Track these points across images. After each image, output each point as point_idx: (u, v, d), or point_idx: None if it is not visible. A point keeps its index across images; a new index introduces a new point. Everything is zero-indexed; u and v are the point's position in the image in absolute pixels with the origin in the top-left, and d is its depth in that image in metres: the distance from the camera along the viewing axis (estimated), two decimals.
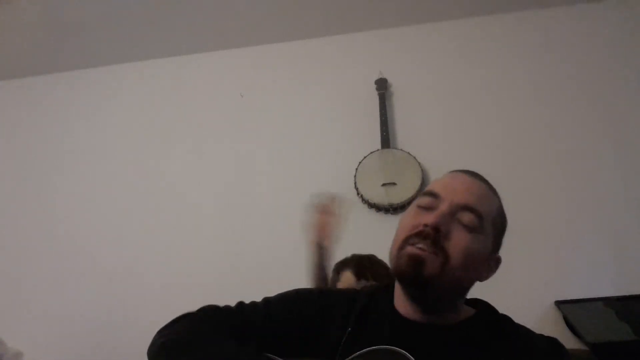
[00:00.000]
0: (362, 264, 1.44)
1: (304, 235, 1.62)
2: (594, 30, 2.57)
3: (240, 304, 0.85)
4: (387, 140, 2.49)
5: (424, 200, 0.77)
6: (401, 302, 0.78)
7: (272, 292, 0.90)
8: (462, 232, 0.72)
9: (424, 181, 2.36)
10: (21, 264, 2.64)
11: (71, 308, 2.50)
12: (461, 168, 0.83)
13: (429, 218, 0.73)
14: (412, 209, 0.79)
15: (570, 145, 2.39)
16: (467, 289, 0.78)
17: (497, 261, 0.79)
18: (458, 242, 0.72)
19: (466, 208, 0.74)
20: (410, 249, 0.72)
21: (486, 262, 0.77)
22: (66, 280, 2.56)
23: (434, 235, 0.71)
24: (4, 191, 2.82)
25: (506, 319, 0.78)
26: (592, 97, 2.46)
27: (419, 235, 0.72)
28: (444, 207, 0.74)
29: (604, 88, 2.47)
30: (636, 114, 2.39)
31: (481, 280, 0.78)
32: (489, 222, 0.75)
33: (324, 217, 1.62)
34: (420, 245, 0.71)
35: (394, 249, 0.76)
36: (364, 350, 0.70)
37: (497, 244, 0.78)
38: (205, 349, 0.72)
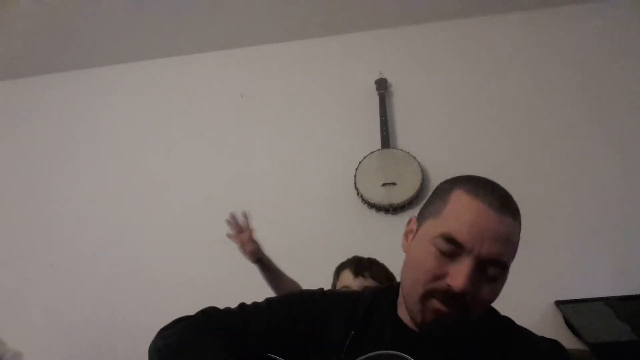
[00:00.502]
0: (360, 263, 1.46)
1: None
2: (594, 30, 2.57)
3: (242, 305, 0.85)
4: (387, 140, 2.49)
5: (446, 248, 0.69)
6: (405, 312, 0.77)
7: (272, 293, 0.90)
8: (487, 286, 0.69)
9: (424, 181, 2.36)
10: (21, 264, 2.64)
11: (71, 308, 2.50)
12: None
13: (455, 278, 0.67)
14: (430, 248, 0.71)
15: (571, 145, 2.39)
16: None
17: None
18: (483, 298, 0.69)
19: (494, 263, 0.68)
20: (437, 305, 0.69)
21: None
22: (66, 281, 2.56)
23: (461, 299, 0.68)
24: (4, 191, 2.82)
25: (507, 322, 0.78)
26: (593, 97, 2.46)
27: (446, 295, 0.68)
28: (470, 263, 0.67)
29: (605, 88, 2.46)
30: (636, 114, 2.39)
31: None
32: (511, 259, 0.71)
33: (240, 236, 1.74)
34: (445, 305, 0.68)
35: (413, 292, 0.72)
36: (369, 354, 0.70)
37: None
38: (197, 356, 0.71)
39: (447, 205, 0.72)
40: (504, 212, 0.69)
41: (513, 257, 0.71)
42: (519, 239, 0.72)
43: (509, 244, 0.69)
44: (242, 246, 1.73)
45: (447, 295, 0.68)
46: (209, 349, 0.73)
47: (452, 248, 0.68)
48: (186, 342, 0.74)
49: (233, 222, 1.77)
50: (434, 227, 0.71)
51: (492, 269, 0.68)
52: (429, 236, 0.71)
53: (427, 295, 0.70)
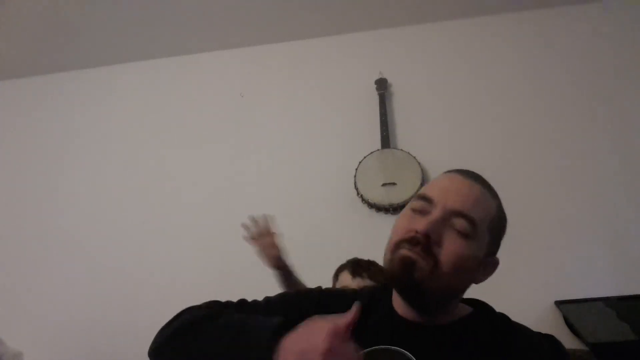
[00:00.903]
0: (358, 264, 1.47)
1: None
2: (594, 30, 2.57)
3: (241, 300, 0.87)
4: (387, 140, 2.49)
5: (418, 204, 0.76)
6: (399, 303, 0.79)
7: (272, 293, 0.91)
8: (455, 238, 0.72)
9: (424, 181, 2.36)
10: (21, 264, 2.64)
11: (71, 308, 2.50)
12: (461, 168, 0.82)
13: (421, 224, 0.72)
14: (406, 211, 0.78)
15: (570, 145, 2.39)
16: (461, 291, 0.78)
17: (495, 264, 0.79)
18: (449, 249, 0.71)
19: (459, 214, 0.72)
20: (402, 252, 0.72)
21: (480, 266, 0.76)
22: (66, 281, 2.56)
23: (425, 242, 0.71)
24: (4, 191, 2.83)
25: (503, 317, 0.78)
26: (593, 98, 2.46)
27: (411, 241, 0.72)
28: (436, 213, 0.73)
29: (604, 88, 2.47)
30: (637, 114, 2.39)
31: (476, 282, 0.77)
32: (483, 227, 0.74)
33: (261, 240, 1.64)
34: (410, 254, 0.71)
35: (387, 251, 0.76)
36: (366, 350, 0.70)
37: (493, 246, 0.78)
38: (218, 322, 0.73)
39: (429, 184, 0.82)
40: (473, 179, 0.77)
41: (487, 222, 0.74)
42: (494, 213, 0.76)
43: (478, 204, 0.74)
44: (263, 250, 1.64)
45: (413, 241, 0.71)
46: (223, 316, 0.75)
47: (423, 203, 0.75)
48: (186, 331, 0.75)
49: (253, 225, 1.67)
50: (414, 198, 0.80)
51: (459, 221, 0.72)
52: (408, 205, 0.79)
53: (396, 247, 0.74)
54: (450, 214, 0.72)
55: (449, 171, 0.81)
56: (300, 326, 0.65)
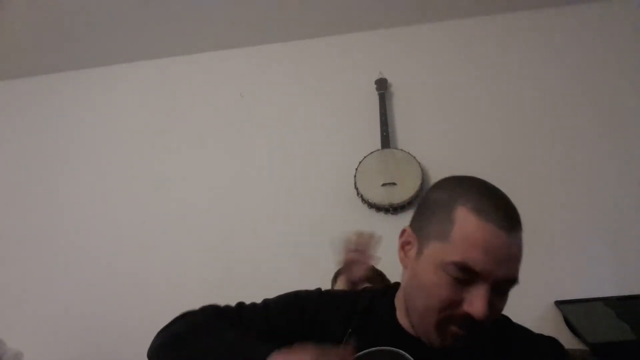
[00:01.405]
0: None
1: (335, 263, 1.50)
2: (594, 30, 2.57)
3: (240, 304, 0.86)
4: (387, 140, 2.49)
5: (461, 275, 0.67)
6: (404, 314, 0.78)
7: (271, 293, 0.91)
8: (501, 301, 0.71)
9: (424, 181, 2.36)
10: (21, 264, 2.64)
11: (71, 308, 2.50)
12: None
13: (474, 306, 0.66)
14: (441, 274, 0.69)
15: (570, 145, 2.39)
16: None
17: None
18: (496, 313, 0.71)
19: (508, 282, 0.69)
20: (454, 330, 0.69)
21: None
22: (66, 281, 2.56)
23: (482, 326, 0.68)
24: (4, 191, 2.83)
25: (504, 319, 0.78)
26: (593, 98, 2.46)
27: (464, 320, 0.67)
28: (487, 288, 0.66)
29: (604, 88, 2.46)
30: (637, 114, 2.39)
31: None
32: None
33: (354, 255, 1.45)
34: (462, 329, 0.68)
35: (428, 318, 0.70)
36: (365, 350, 0.70)
37: None
38: (206, 340, 0.73)
39: (453, 227, 0.69)
40: (514, 230, 0.69)
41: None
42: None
43: (520, 258, 0.71)
44: (359, 266, 1.42)
45: (466, 321, 0.67)
46: (216, 331, 0.74)
47: (468, 276, 0.67)
48: (190, 330, 0.75)
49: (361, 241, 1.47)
50: (443, 251, 0.69)
51: (506, 286, 0.70)
52: (438, 260, 0.69)
53: (444, 322, 0.69)
54: (499, 284, 0.68)
55: (481, 216, 0.68)
56: (291, 350, 0.64)
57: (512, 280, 0.69)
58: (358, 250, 1.42)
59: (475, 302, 0.66)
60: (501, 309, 0.72)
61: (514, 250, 0.69)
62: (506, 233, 0.68)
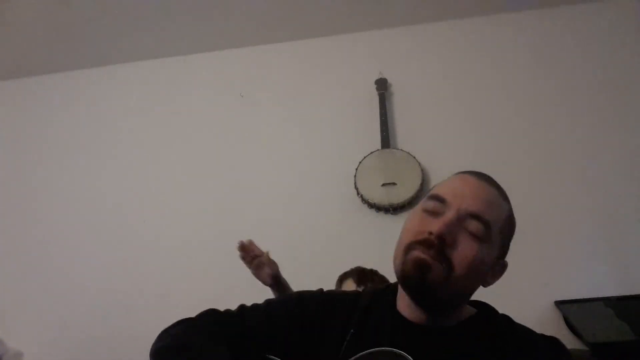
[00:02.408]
0: (363, 274, 1.48)
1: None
2: (594, 30, 2.57)
3: (242, 306, 0.86)
4: (387, 140, 2.49)
5: (430, 204, 0.74)
6: (405, 305, 0.78)
7: (271, 294, 0.90)
8: (469, 241, 0.70)
9: (424, 181, 2.36)
10: (21, 264, 2.64)
11: (71, 308, 2.50)
12: (461, 168, 0.82)
13: (435, 225, 0.70)
14: (417, 212, 0.77)
15: (570, 145, 2.39)
16: (471, 294, 0.77)
17: (503, 267, 0.78)
18: (464, 252, 0.70)
19: (474, 216, 0.71)
20: (416, 254, 0.70)
21: (491, 269, 0.75)
22: (66, 281, 2.55)
23: (440, 245, 0.69)
24: (4, 191, 2.82)
25: (506, 319, 0.78)
26: (592, 98, 2.46)
27: (424, 243, 0.70)
28: (450, 214, 0.71)
29: (604, 88, 2.46)
30: (636, 114, 2.39)
31: (485, 285, 0.77)
32: (496, 230, 0.73)
33: (256, 261, 1.59)
34: (425, 254, 0.70)
35: (398, 252, 0.74)
36: (366, 351, 0.70)
37: (504, 250, 0.77)
38: (196, 356, 0.72)
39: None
40: (487, 181, 0.76)
41: (499, 225, 0.73)
42: (505, 217, 0.76)
43: (491, 207, 0.73)
44: (259, 269, 1.59)
45: (427, 243, 0.70)
46: (208, 349, 0.73)
47: (436, 204, 0.74)
48: (185, 343, 0.75)
49: (245, 249, 1.61)
50: (425, 199, 0.78)
51: (474, 224, 0.71)
52: (420, 205, 0.78)
53: (409, 248, 0.72)
54: (465, 216, 0.71)
55: (461, 172, 0.79)
56: None
57: (479, 217, 0.71)
58: (253, 254, 1.56)
59: (437, 222, 0.71)
60: (472, 253, 0.70)
61: (482, 192, 0.74)
62: (476, 179, 0.76)
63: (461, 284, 0.71)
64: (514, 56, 2.61)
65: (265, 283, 1.59)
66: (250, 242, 1.59)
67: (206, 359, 0.71)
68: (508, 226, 0.76)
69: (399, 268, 0.73)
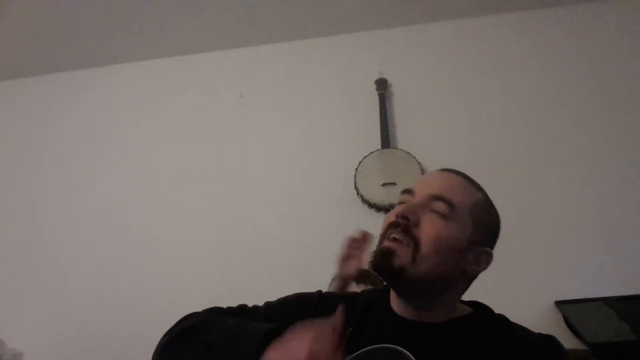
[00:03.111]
0: (361, 272, 1.46)
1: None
2: (594, 30, 2.57)
3: (242, 306, 0.87)
4: (387, 140, 2.49)
5: (402, 197, 0.81)
6: (395, 302, 0.80)
7: (272, 293, 0.91)
8: (433, 219, 0.74)
9: None
10: (21, 264, 2.64)
11: (71, 308, 2.50)
12: (461, 168, 0.83)
13: (400, 208, 0.76)
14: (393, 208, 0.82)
15: (570, 146, 2.39)
16: (450, 278, 0.76)
17: (487, 255, 0.77)
18: (428, 229, 0.73)
19: (437, 197, 0.75)
20: (385, 243, 0.75)
21: (468, 253, 0.75)
22: (66, 281, 2.56)
23: (404, 224, 0.73)
24: (3, 191, 2.83)
25: (501, 317, 0.78)
26: (592, 98, 2.46)
27: (391, 225, 0.75)
28: (415, 199, 0.77)
29: (604, 88, 2.46)
30: (636, 115, 2.39)
31: (470, 272, 0.76)
32: (464, 211, 0.75)
33: (351, 251, 1.50)
34: (393, 236, 0.74)
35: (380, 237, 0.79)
36: (364, 349, 0.71)
37: (480, 234, 0.76)
38: (209, 331, 0.75)
39: None
40: (455, 173, 0.82)
41: (468, 207, 0.76)
42: (476, 202, 0.78)
43: (455, 189, 0.77)
44: (351, 263, 1.43)
45: (393, 224, 0.75)
46: (219, 321, 0.76)
47: (406, 196, 0.80)
48: (188, 334, 0.76)
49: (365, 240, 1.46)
50: None
51: (438, 204, 0.75)
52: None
53: (382, 238, 0.77)
54: (430, 199, 0.76)
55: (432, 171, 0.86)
56: (286, 334, 0.66)
57: (442, 197, 0.75)
58: (353, 246, 1.48)
59: (403, 205, 0.78)
60: (437, 229, 0.73)
61: (447, 179, 0.79)
62: (444, 171, 0.82)
63: (431, 263, 0.72)
64: (514, 56, 2.61)
65: (344, 276, 1.47)
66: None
67: (220, 328, 0.75)
68: (482, 212, 0.78)
69: (370, 259, 0.77)
